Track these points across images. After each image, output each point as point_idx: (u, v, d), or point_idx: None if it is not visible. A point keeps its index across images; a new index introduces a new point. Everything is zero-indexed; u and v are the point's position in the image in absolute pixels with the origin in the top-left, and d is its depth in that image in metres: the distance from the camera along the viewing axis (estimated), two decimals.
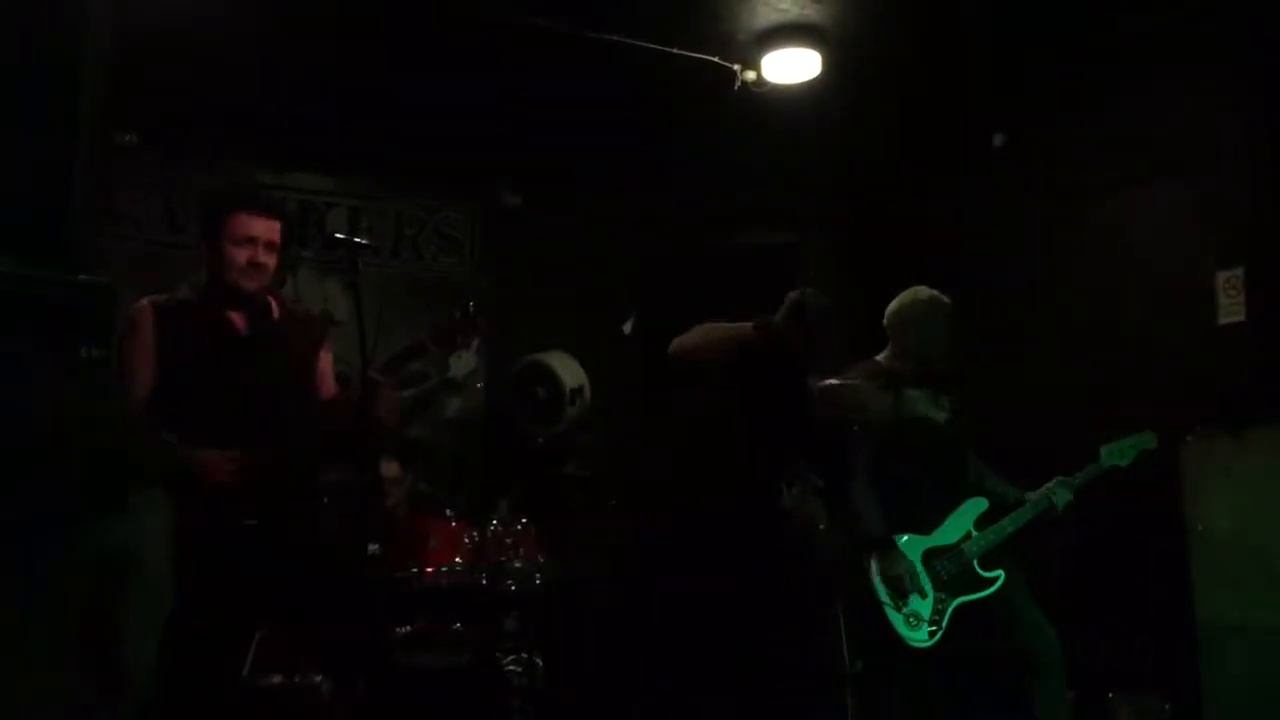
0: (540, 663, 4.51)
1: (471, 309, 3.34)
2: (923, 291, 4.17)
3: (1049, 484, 4.00)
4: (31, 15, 1.88)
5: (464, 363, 5.77)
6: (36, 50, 1.87)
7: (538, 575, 4.56)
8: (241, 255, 3.23)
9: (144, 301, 3.24)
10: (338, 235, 3.36)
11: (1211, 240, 4.50)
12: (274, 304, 3.38)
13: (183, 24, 4.30)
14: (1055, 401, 4.82)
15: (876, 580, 3.85)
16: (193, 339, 3.20)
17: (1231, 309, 4.37)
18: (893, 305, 4.20)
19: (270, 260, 3.28)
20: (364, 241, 3.31)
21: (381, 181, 6.01)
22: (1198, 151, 4.54)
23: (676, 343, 3.55)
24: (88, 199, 2.04)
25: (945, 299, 4.15)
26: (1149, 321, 4.64)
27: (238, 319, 3.29)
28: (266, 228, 3.27)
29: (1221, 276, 4.41)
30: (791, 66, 4.88)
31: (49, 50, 1.88)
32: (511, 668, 4.47)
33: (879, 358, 4.18)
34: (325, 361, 3.48)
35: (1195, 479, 4.18)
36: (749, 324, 3.51)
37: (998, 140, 5.37)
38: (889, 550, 3.87)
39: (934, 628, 3.81)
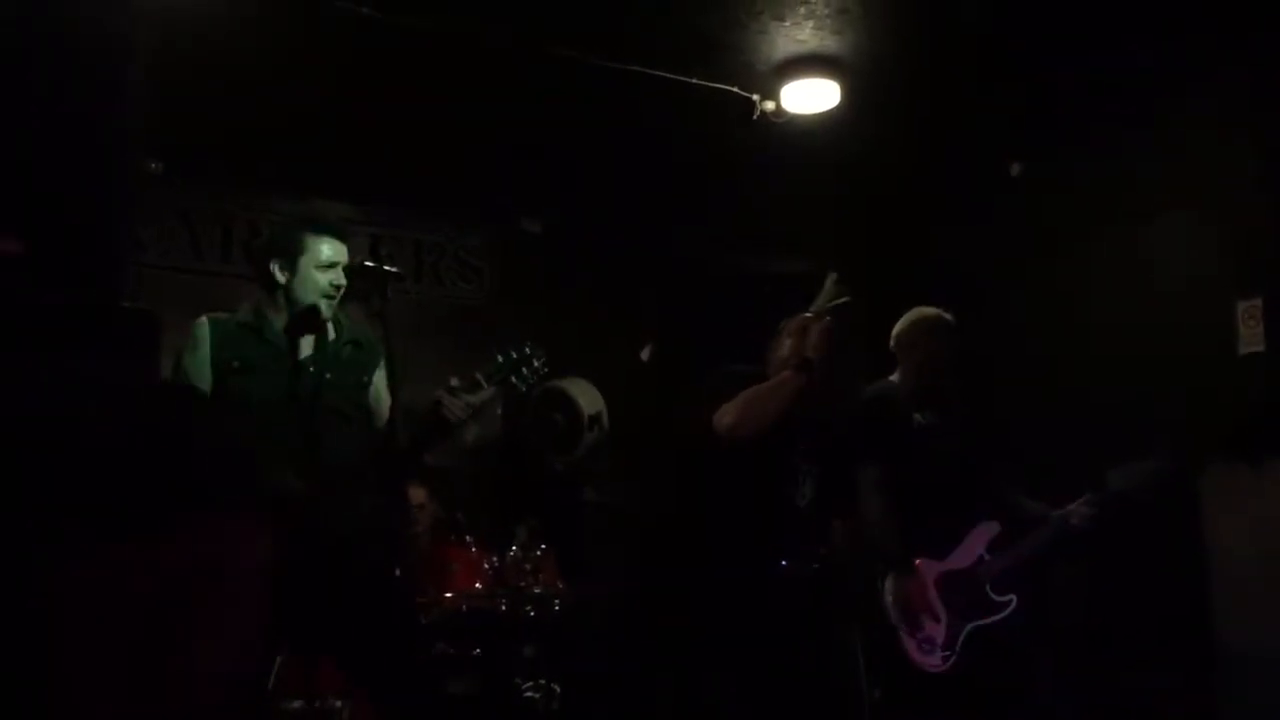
0: (558, 689, 4.51)
1: (528, 349, 3.34)
2: (927, 311, 4.18)
3: (1068, 507, 3.98)
4: (76, 46, 1.91)
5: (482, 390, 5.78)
6: (80, 79, 1.91)
7: (557, 601, 4.56)
8: (324, 280, 3.26)
9: (203, 318, 3.28)
10: (367, 264, 3.38)
11: (1231, 270, 4.51)
12: (330, 327, 3.40)
13: (205, 52, 4.36)
14: (1074, 428, 4.83)
15: (890, 603, 3.85)
16: (253, 360, 3.22)
17: (1251, 339, 4.37)
18: (898, 326, 4.20)
19: (344, 284, 3.32)
20: (394, 270, 3.32)
21: (401, 209, 6.06)
22: (1217, 181, 4.56)
23: (726, 423, 3.48)
24: (127, 225, 2.07)
25: (949, 317, 4.15)
26: (1169, 350, 4.65)
27: (299, 341, 3.32)
28: (341, 252, 3.32)
29: (1241, 306, 4.42)
30: (810, 97, 4.91)
31: (92, 79, 1.92)
32: (530, 694, 4.47)
33: (890, 379, 4.19)
34: (381, 383, 3.48)
35: (1215, 508, 4.18)
36: (790, 376, 3.48)
37: (1015, 170, 5.40)
38: (905, 572, 3.86)
39: (947, 653, 3.80)
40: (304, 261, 3.26)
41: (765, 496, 3.55)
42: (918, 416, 4.03)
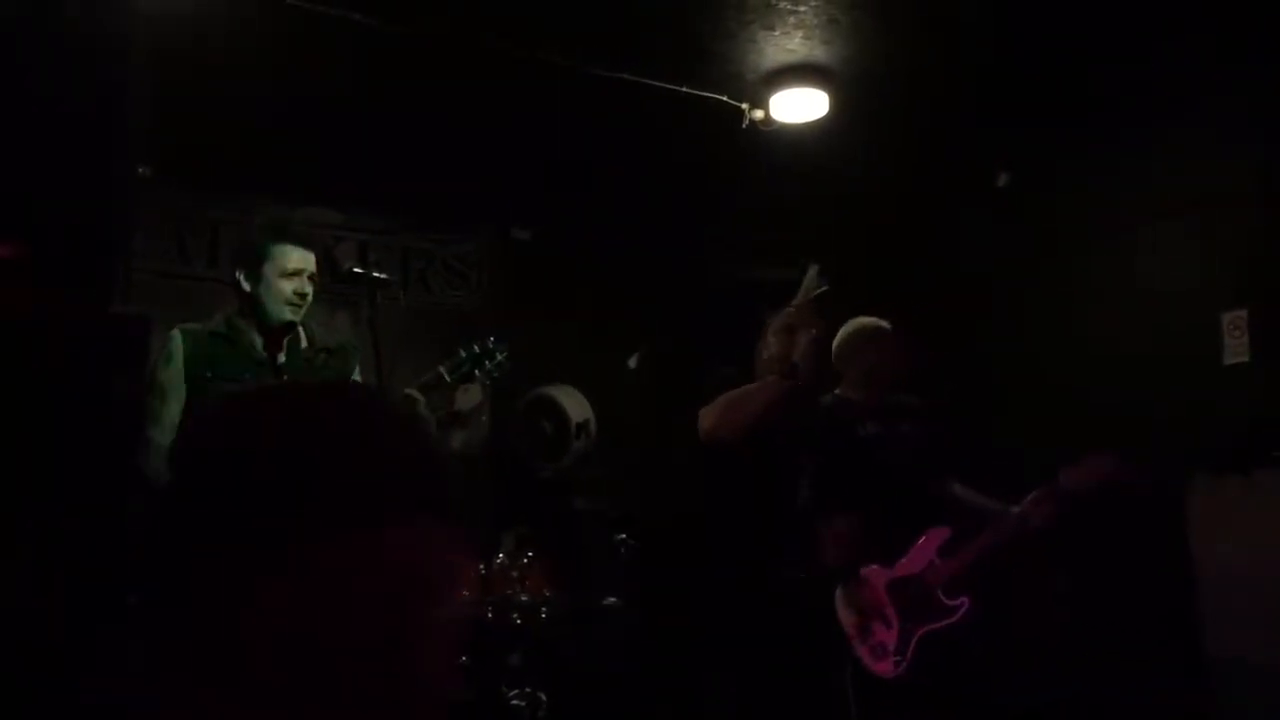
0: (544, 697, 4.50)
1: (491, 341, 3.36)
2: (864, 321, 4.23)
3: (1017, 506, 3.97)
4: (74, 50, 1.91)
5: (469, 396, 5.77)
6: (79, 87, 1.91)
7: (543, 609, 4.56)
8: (289, 288, 3.26)
9: (175, 330, 3.27)
10: (356, 270, 3.39)
11: (1217, 281, 4.53)
12: (302, 333, 3.41)
13: (193, 57, 4.35)
14: (1061, 438, 4.83)
15: (841, 610, 3.88)
16: (226, 369, 3.23)
17: (1236, 350, 4.40)
18: (837, 338, 4.23)
19: (311, 291, 3.32)
20: (383, 276, 3.34)
21: (390, 215, 6.05)
22: (1205, 192, 4.59)
23: (706, 425, 3.47)
24: (120, 231, 2.06)
25: (887, 326, 4.19)
26: (1155, 360, 4.66)
27: (272, 350, 3.32)
28: (307, 259, 3.32)
29: (1226, 317, 4.44)
30: (799, 106, 4.93)
31: (90, 83, 1.91)
32: (516, 702, 4.46)
33: (837, 391, 4.21)
34: None
35: (1203, 518, 4.19)
36: (774, 380, 3.48)
37: (1002, 180, 5.42)
38: (852, 580, 3.89)
39: (899, 658, 3.82)
40: (268, 270, 3.27)
41: (763, 499, 3.56)
42: (858, 428, 4.05)
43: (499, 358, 3.42)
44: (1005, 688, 4.23)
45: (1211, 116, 4.59)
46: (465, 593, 4.41)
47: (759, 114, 4.99)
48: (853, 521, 3.91)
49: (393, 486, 0.92)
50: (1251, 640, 3.93)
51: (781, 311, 3.72)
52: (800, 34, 4.48)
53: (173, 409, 3.13)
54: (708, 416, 3.46)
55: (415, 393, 3.30)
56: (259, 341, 3.31)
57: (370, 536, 0.89)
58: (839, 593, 3.89)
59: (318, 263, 3.40)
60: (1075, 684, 4.54)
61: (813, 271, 3.70)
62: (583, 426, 5.63)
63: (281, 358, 3.35)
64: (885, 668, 3.80)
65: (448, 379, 3.36)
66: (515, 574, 4.55)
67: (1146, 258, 4.86)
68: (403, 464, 0.93)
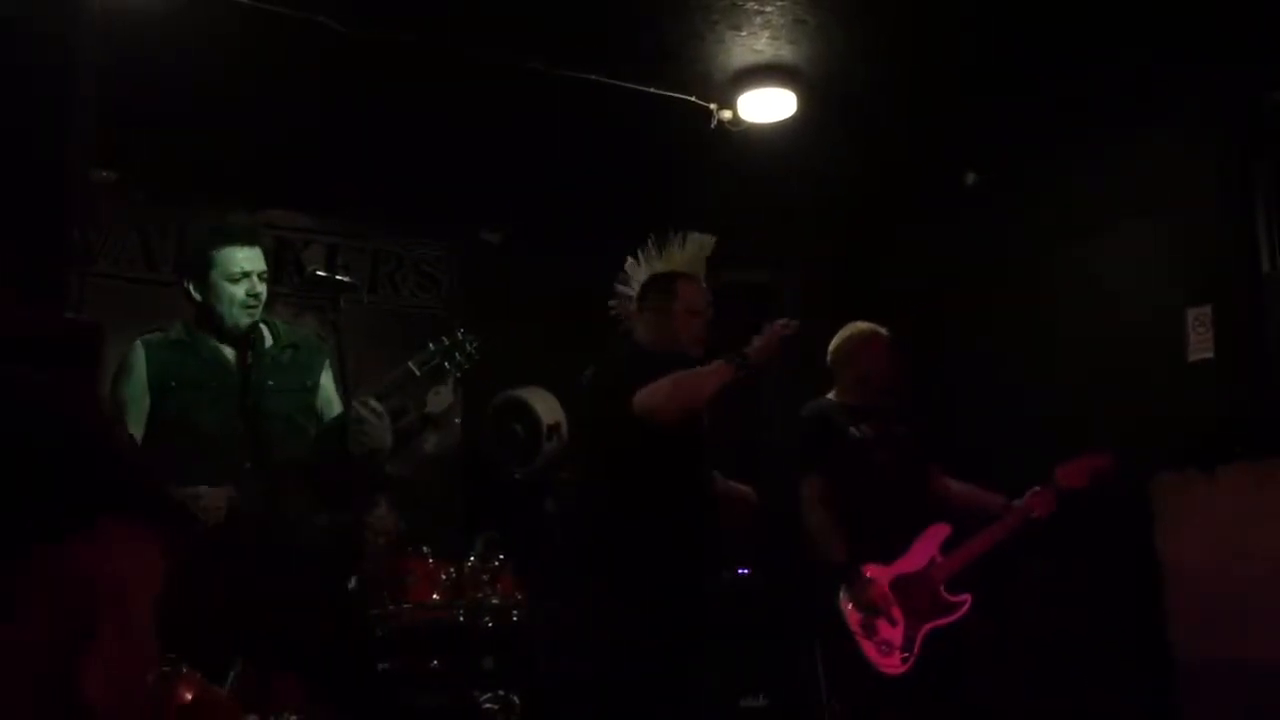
0: (517, 700, 4.49)
1: (460, 334, 3.35)
2: (862, 326, 4.29)
3: (1020, 500, 4.03)
4: (19, 55, 1.89)
5: (442, 399, 5.74)
6: (24, 90, 1.88)
7: (515, 612, 4.55)
8: (240, 291, 3.21)
9: (137, 342, 3.23)
10: (320, 274, 3.36)
11: (1181, 278, 4.56)
12: (265, 331, 3.37)
13: (160, 62, 4.31)
14: (1028, 437, 4.86)
15: (847, 610, 3.90)
16: (190, 376, 3.19)
17: (1200, 346, 4.42)
18: (833, 342, 4.32)
19: (264, 290, 3.27)
20: (347, 280, 3.31)
21: (359, 219, 6.00)
22: (1168, 191, 4.62)
23: (645, 401, 3.44)
24: (73, 236, 2.05)
25: (883, 331, 4.25)
26: (1121, 358, 4.69)
27: (235, 352, 3.28)
28: (255, 258, 3.27)
29: (1190, 314, 4.47)
30: (767, 106, 4.94)
31: (37, 90, 1.89)
32: (488, 706, 4.45)
33: (829, 395, 4.26)
34: (329, 384, 3.45)
35: (1167, 516, 4.22)
36: (724, 366, 3.48)
37: (970, 179, 5.45)
38: (857, 578, 3.91)
39: (905, 654, 3.86)
40: (215, 276, 3.21)
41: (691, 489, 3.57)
42: (853, 430, 4.09)
43: (469, 349, 3.40)
44: (1009, 685, 4.27)
45: (1175, 116, 4.63)
46: (435, 596, 4.41)
47: (727, 114, 4.99)
48: (849, 521, 3.95)
49: (83, 486, 0.83)
50: (1215, 638, 3.96)
51: (675, 288, 3.74)
52: (767, 34, 4.49)
53: (133, 422, 3.11)
54: (653, 396, 3.42)
55: (374, 402, 3.26)
56: (223, 346, 3.28)
57: (63, 547, 0.80)
58: (843, 591, 3.91)
59: (280, 263, 3.37)
60: (1056, 681, 4.57)
61: (705, 238, 3.79)
62: (554, 429, 5.62)
63: (250, 359, 3.32)
64: (893, 664, 3.84)
65: (417, 373, 3.34)
66: (486, 577, 4.55)
67: (1111, 255, 4.89)
68: (87, 460, 0.84)
